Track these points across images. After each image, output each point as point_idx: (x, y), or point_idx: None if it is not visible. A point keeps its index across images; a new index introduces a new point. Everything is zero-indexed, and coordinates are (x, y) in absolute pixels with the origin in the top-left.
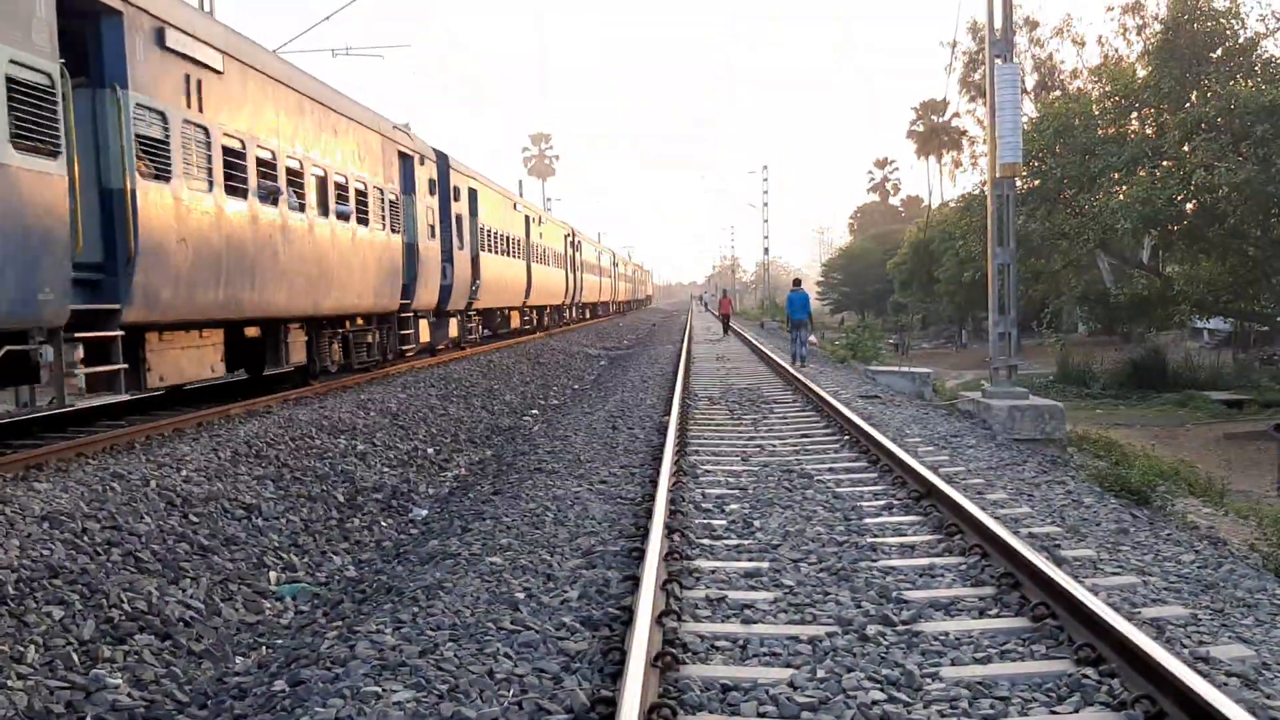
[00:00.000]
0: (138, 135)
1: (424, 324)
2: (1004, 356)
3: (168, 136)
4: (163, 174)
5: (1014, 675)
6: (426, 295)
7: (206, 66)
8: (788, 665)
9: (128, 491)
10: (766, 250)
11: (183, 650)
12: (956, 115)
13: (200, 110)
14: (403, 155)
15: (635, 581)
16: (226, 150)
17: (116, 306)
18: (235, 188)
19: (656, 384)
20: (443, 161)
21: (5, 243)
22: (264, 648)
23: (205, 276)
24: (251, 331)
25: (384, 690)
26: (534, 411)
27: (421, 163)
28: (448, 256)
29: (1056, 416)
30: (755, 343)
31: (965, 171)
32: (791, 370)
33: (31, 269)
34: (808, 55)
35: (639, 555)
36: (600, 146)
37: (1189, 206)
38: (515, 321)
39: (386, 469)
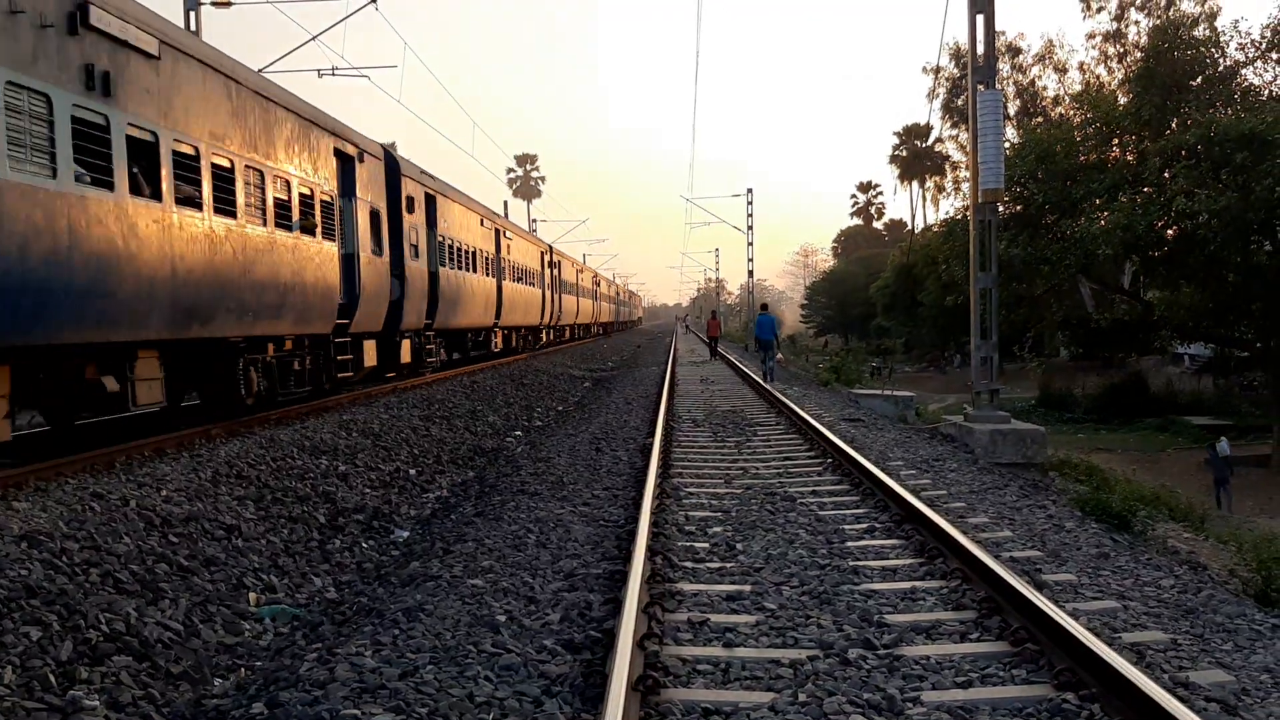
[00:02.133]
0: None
1: (543, 333)
2: (986, 381)
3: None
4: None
5: (995, 699)
6: (546, 319)
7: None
8: (769, 689)
9: (107, 511)
10: (751, 273)
11: (161, 672)
12: (940, 141)
13: (506, 254)
14: (543, 253)
15: (617, 604)
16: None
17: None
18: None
19: (640, 406)
20: (551, 250)
21: None
22: (243, 669)
23: (517, 308)
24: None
25: (363, 713)
26: (517, 433)
27: (548, 252)
28: (555, 297)
29: (1038, 441)
30: (740, 365)
31: (948, 196)
32: (774, 392)
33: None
34: (793, 76)
35: (621, 578)
36: (584, 162)
37: (1169, 233)
38: (568, 334)
39: (368, 490)
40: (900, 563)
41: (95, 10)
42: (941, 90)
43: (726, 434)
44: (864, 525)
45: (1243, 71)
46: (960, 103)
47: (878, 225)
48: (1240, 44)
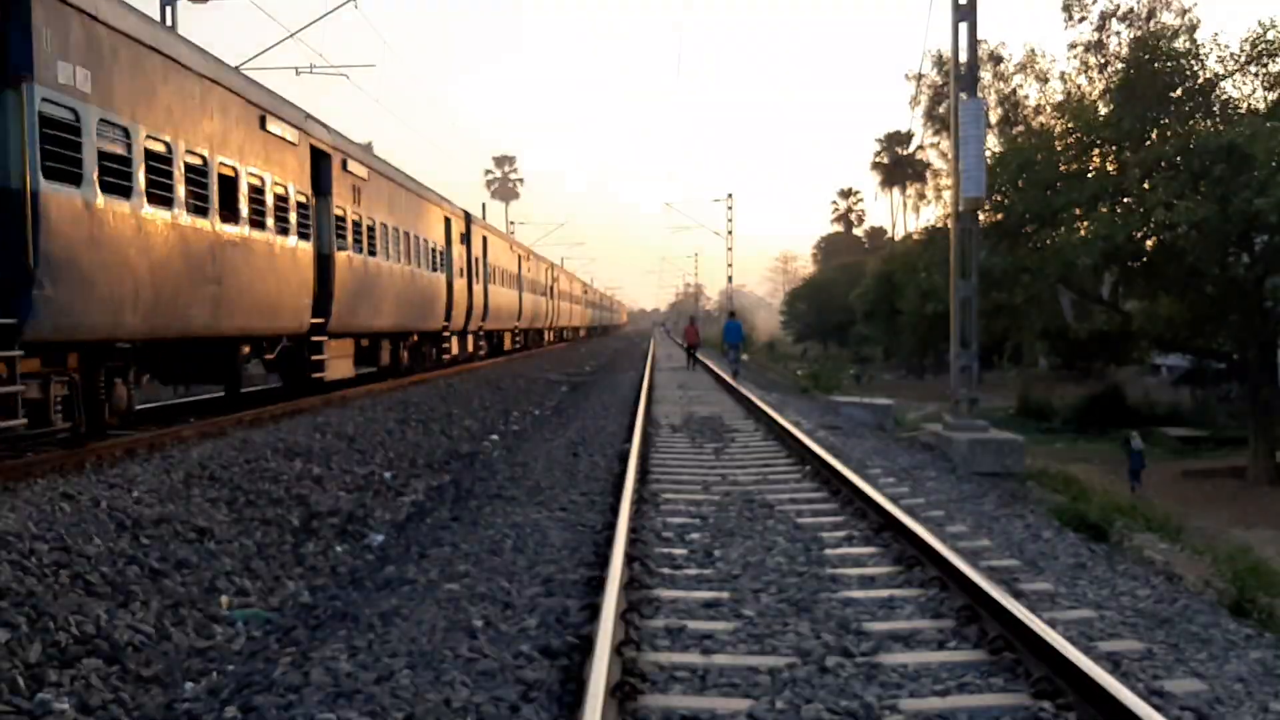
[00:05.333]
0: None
1: (581, 331)
2: (965, 390)
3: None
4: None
5: (972, 707)
6: (574, 322)
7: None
8: (747, 696)
9: (77, 512)
10: (730, 279)
11: (131, 675)
12: (921, 148)
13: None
14: (584, 284)
15: (595, 610)
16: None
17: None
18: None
19: (618, 411)
20: (576, 275)
21: None
22: (215, 673)
23: (575, 316)
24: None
25: (338, 718)
26: (494, 437)
27: (577, 281)
28: (585, 310)
29: (1016, 450)
30: (719, 372)
31: (929, 204)
32: (753, 399)
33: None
34: (776, 80)
35: (599, 584)
36: (562, 165)
37: (1149, 243)
38: (582, 332)
39: (343, 493)
40: (879, 571)
41: None
42: (924, 97)
43: (705, 440)
44: (842, 533)
45: (1222, 84)
46: (942, 110)
47: (858, 232)
48: (1220, 57)
